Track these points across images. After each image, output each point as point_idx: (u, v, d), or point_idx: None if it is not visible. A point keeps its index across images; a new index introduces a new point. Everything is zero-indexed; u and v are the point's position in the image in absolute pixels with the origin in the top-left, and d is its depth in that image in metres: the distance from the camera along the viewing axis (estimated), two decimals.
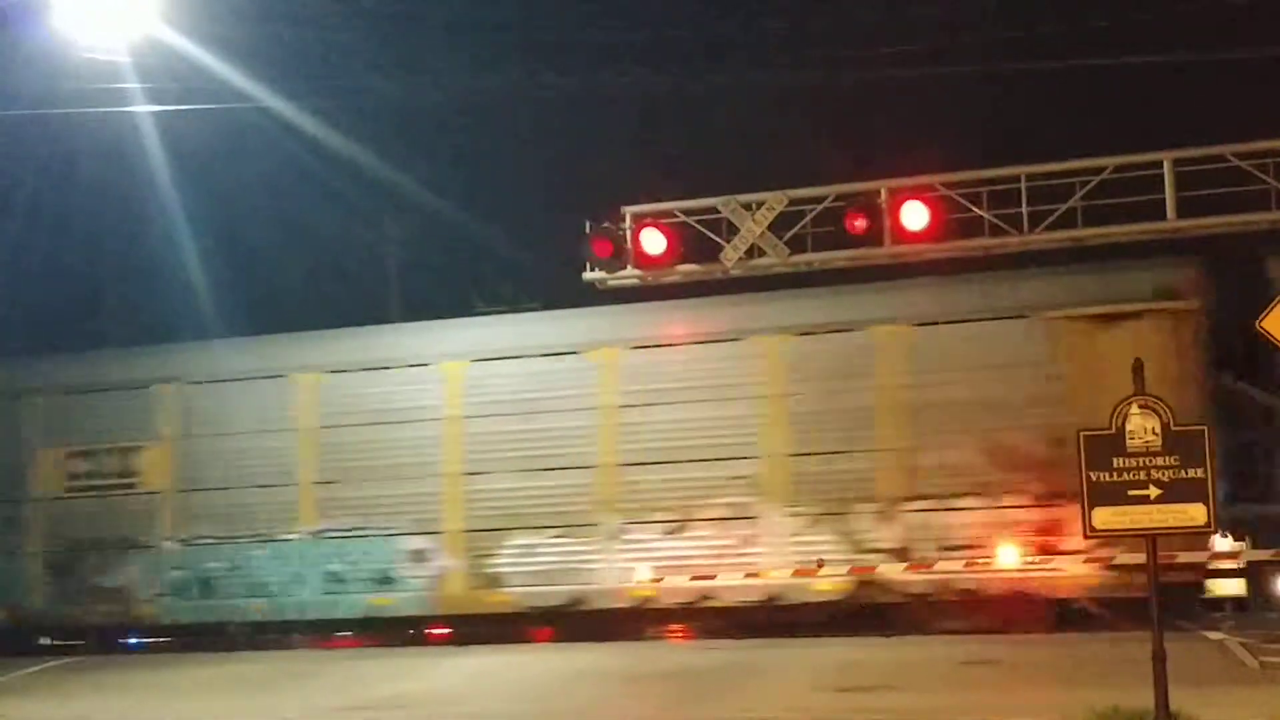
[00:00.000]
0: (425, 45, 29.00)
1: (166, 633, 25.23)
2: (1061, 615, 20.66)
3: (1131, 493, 12.02)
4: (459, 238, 35.76)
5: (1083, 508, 12.21)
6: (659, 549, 22.32)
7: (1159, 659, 11.92)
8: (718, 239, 21.69)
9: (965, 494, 21.05)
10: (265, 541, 24.36)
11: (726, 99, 28.67)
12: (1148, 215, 20.33)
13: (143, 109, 24.33)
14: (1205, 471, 11.95)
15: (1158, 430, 12.03)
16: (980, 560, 20.81)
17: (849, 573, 21.37)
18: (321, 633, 24.62)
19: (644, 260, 21.94)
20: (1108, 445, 12.08)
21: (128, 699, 18.96)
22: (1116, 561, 19.64)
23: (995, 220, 20.67)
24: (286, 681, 19.86)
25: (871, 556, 21.36)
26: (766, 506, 22.00)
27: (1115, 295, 20.87)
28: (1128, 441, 12.05)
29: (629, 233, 21.91)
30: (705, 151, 32.14)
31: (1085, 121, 29.11)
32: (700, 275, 22.34)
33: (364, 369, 24.42)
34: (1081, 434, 12.30)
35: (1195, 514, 11.98)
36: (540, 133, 36.27)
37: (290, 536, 24.30)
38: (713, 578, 21.95)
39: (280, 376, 24.80)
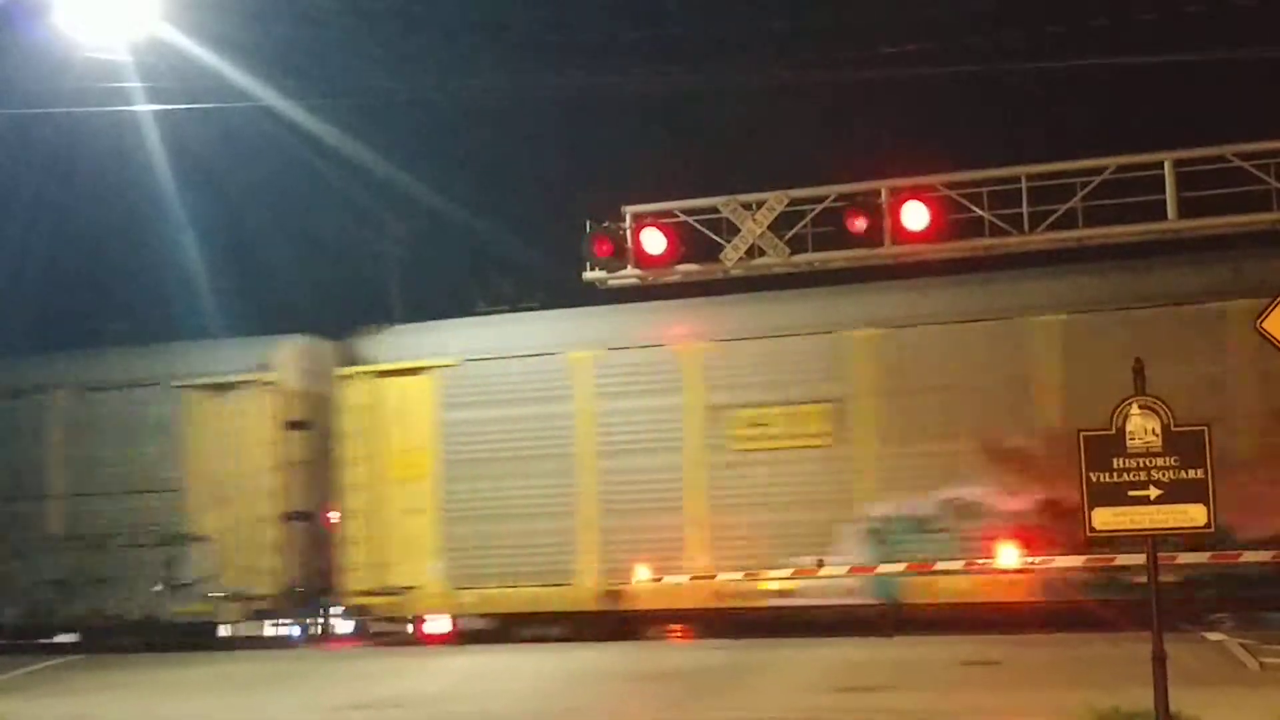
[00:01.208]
0: (427, 44, 29.00)
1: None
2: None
3: (1132, 493, 12.02)
4: (461, 236, 35.79)
5: (1083, 508, 12.19)
6: None
7: (1159, 660, 11.92)
8: (718, 239, 21.68)
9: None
10: None
11: (727, 98, 28.66)
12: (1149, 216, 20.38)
13: (146, 108, 24.39)
14: (1205, 472, 11.93)
15: (1158, 431, 12.01)
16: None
17: None
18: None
19: (644, 260, 21.92)
20: (1108, 446, 12.06)
21: (128, 697, 18.98)
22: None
23: (996, 220, 20.64)
24: (285, 681, 19.92)
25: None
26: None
27: (224, 368, 24.38)
28: (1128, 442, 12.04)
29: (629, 232, 21.88)
30: (705, 151, 32.12)
31: (1086, 122, 29.09)
32: (700, 275, 22.32)
33: None
34: (1082, 434, 12.27)
35: (1195, 514, 11.97)
36: (542, 131, 36.29)
37: None
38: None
39: None
